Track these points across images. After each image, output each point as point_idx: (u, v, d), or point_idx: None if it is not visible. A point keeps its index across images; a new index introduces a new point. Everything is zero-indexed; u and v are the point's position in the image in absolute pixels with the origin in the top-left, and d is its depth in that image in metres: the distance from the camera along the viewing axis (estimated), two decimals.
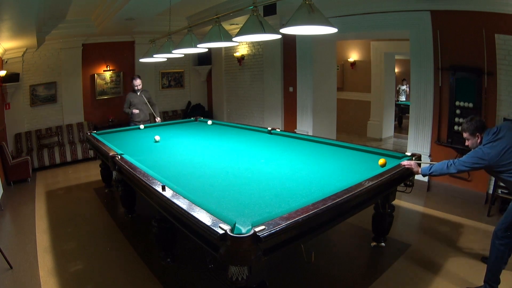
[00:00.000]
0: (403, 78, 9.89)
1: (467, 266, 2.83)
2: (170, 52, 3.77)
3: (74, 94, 7.03)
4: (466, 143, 2.55)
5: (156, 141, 4.10)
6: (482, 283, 2.45)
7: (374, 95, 7.89)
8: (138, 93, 5.51)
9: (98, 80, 7.37)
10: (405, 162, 2.72)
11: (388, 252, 3.10)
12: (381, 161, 2.77)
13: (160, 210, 2.38)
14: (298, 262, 2.89)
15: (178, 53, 3.81)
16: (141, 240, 3.41)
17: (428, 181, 4.61)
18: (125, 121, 5.96)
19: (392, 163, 2.80)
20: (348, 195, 2.12)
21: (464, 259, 2.94)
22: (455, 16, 4.10)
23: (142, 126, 5.14)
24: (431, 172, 2.58)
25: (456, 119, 4.23)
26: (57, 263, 3.04)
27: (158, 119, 5.55)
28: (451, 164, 2.46)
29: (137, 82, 5.47)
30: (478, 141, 2.44)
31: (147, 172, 2.71)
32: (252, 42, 7.07)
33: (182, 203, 2.04)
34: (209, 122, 5.47)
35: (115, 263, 3.03)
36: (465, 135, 2.52)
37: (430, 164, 2.67)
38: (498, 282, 2.41)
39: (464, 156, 2.46)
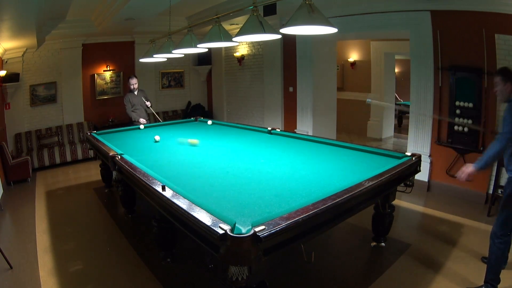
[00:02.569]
0: None
1: (467, 266, 2.83)
2: (170, 52, 3.77)
3: (74, 94, 7.03)
4: (495, 89, 2.45)
5: (156, 141, 4.10)
6: (483, 283, 2.45)
7: (374, 95, 7.89)
8: (136, 93, 5.52)
9: (98, 80, 7.37)
10: (461, 176, 2.51)
11: (388, 252, 3.10)
12: (192, 141, 3.34)
13: (160, 210, 2.38)
14: (298, 262, 2.89)
15: (178, 53, 3.81)
16: (141, 240, 3.41)
17: (428, 181, 4.61)
18: (125, 121, 5.97)
19: (392, 163, 2.80)
20: (348, 195, 2.12)
21: (464, 259, 2.94)
22: (455, 16, 4.10)
23: (142, 126, 5.14)
24: (486, 162, 2.39)
25: (456, 119, 4.23)
26: (57, 263, 3.04)
27: (148, 103, 5.53)
28: (496, 141, 2.31)
29: (133, 81, 5.48)
30: (508, 90, 2.34)
31: (147, 172, 2.71)
32: (252, 42, 7.07)
33: (182, 203, 2.04)
34: (209, 122, 5.47)
35: (115, 263, 3.03)
36: (496, 79, 2.42)
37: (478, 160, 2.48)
38: (499, 281, 2.41)
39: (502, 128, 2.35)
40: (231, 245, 1.59)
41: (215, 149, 3.75)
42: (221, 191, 2.37)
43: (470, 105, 4.07)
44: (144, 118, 5.60)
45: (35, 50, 6.37)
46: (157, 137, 4.16)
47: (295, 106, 6.40)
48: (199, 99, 8.92)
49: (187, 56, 7.73)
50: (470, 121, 4.11)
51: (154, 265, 2.94)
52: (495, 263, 2.38)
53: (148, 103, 5.52)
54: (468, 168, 2.45)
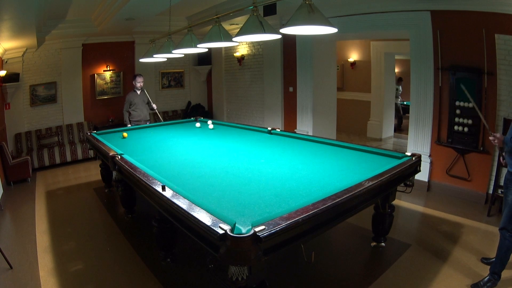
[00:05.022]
0: (399, 77, 9.56)
1: (467, 266, 2.83)
2: (170, 52, 3.77)
3: (74, 94, 7.03)
4: None
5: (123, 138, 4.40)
6: (488, 274, 2.52)
7: (374, 95, 7.89)
8: (139, 92, 5.52)
9: (98, 80, 7.37)
10: (494, 140, 2.55)
11: (388, 252, 3.10)
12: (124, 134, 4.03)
13: (160, 210, 2.38)
14: (298, 262, 2.89)
15: (178, 53, 3.81)
16: (141, 240, 3.41)
17: (428, 181, 4.61)
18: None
19: (392, 163, 2.80)
20: (348, 195, 2.12)
21: (464, 259, 2.94)
22: (455, 16, 4.10)
23: (198, 124, 5.18)
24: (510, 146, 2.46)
25: (456, 119, 4.23)
26: (57, 263, 3.04)
27: (154, 106, 5.67)
28: None
29: (140, 80, 5.51)
30: None
31: (147, 172, 2.72)
32: (252, 42, 7.07)
33: (182, 203, 2.04)
34: (209, 122, 5.46)
35: (115, 263, 3.03)
36: None
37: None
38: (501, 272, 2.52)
39: None
40: (231, 245, 1.59)
41: (215, 149, 3.75)
42: (221, 191, 2.37)
43: (470, 105, 4.06)
44: (145, 119, 5.59)
45: (35, 50, 6.37)
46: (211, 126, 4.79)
47: (295, 106, 6.40)
48: (199, 99, 8.92)
49: (187, 56, 7.73)
50: (470, 121, 4.12)
51: (154, 265, 2.94)
52: (504, 255, 2.45)
53: (154, 106, 5.62)
54: (501, 138, 2.52)
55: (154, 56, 4.17)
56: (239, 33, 2.41)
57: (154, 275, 2.81)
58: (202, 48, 3.40)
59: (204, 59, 8.41)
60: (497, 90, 3.85)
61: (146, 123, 5.53)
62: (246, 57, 7.42)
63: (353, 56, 8.24)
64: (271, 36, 2.48)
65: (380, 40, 7.42)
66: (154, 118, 7.92)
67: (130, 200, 3.88)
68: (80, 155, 6.70)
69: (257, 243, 1.61)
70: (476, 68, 3.96)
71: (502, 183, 3.22)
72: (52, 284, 2.72)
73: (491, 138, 2.55)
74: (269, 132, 4.39)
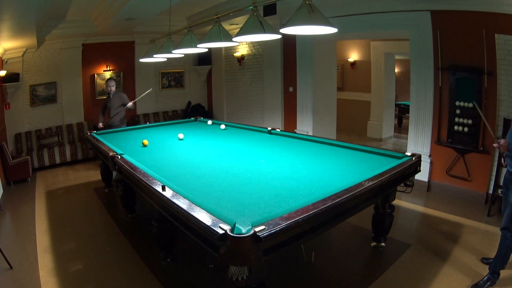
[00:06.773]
0: None
1: (467, 266, 2.83)
2: (170, 52, 3.77)
3: (74, 94, 7.03)
4: None
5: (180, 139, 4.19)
6: (488, 273, 2.53)
7: (374, 95, 7.90)
8: (111, 96, 5.47)
9: (98, 80, 7.37)
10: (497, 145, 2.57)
11: (388, 252, 3.10)
12: (145, 142, 3.85)
13: (160, 210, 2.38)
14: (298, 262, 2.89)
15: (178, 53, 3.81)
16: (141, 240, 3.41)
17: (428, 181, 4.61)
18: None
19: (392, 163, 2.80)
20: (348, 195, 2.12)
21: (464, 259, 2.94)
22: (455, 16, 4.10)
23: (223, 126, 4.94)
24: None
25: (456, 119, 4.23)
26: (57, 263, 3.04)
27: (130, 104, 5.43)
28: None
29: (110, 84, 5.46)
30: None
31: (147, 172, 2.71)
32: (252, 42, 7.07)
33: (182, 203, 2.04)
34: (209, 122, 5.47)
35: (115, 263, 3.03)
36: None
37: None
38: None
39: None
40: (231, 245, 1.59)
41: (215, 149, 3.75)
42: (221, 191, 2.37)
43: (470, 105, 4.07)
44: (115, 123, 5.43)
45: (35, 50, 6.37)
46: (180, 135, 4.24)
47: (295, 106, 6.40)
48: (199, 99, 8.92)
49: (187, 56, 7.73)
50: (470, 121, 4.12)
51: (154, 265, 2.94)
52: (505, 255, 2.47)
53: (129, 104, 5.39)
54: (505, 144, 2.52)
55: (154, 56, 4.17)
56: (239, 33, 2.40)
57: (154, 275, 2.81)
58: (202, 48, 3.40)
59: (204, 59, 8.40)
60: (497, 90, 3.85)
61: (123, 126, 5.44)
62: (246, 57, 7.42)
63: (353, 56, 8.24)
64: (271, 36, 2.48)
65: (380, 40, 7.42)
66: (154, 119, 7.95)
67: (130, 200, 3.88)
68: (80, 155, 6.70)
69: (257, 243, 1.61)
70: (476, 68, 3.96)
71: (502, 183, 3.22)
72: (52, 284, 2.72)
73: (495, 145, 2.56)
74: (269, 132, 4.39)
